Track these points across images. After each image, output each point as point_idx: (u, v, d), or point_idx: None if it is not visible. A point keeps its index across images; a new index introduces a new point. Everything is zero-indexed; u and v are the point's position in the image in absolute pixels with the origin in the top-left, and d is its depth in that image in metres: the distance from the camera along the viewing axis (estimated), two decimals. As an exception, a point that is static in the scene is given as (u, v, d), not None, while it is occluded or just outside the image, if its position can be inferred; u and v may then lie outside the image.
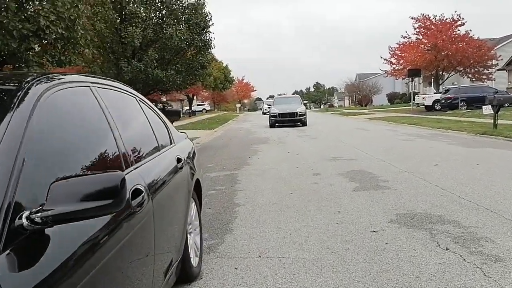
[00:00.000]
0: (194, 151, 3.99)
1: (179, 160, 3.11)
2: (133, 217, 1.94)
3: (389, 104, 59.27)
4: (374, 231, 4.38)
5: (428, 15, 36.25)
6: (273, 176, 7.88)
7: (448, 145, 11.98)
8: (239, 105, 75.73)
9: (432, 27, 35.72)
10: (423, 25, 36.25)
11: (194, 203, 3.63)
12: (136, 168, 2.27)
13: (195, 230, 3.65)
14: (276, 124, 23.47)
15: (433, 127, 18.12)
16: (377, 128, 20.43)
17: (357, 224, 4.68)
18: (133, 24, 11.44)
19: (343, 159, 9.64)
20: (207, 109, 66.93)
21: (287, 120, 23.41)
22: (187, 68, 12.82)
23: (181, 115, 28.80)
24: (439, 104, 32.27)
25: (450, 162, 8.69)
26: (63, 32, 5.43)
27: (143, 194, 2.12)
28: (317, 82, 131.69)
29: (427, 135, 15.42)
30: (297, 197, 6.10)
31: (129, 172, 2.12)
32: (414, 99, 38.73)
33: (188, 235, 3.25)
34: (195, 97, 59.63)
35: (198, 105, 65.54)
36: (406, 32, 39.89)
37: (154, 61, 11.71)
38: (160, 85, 12.71)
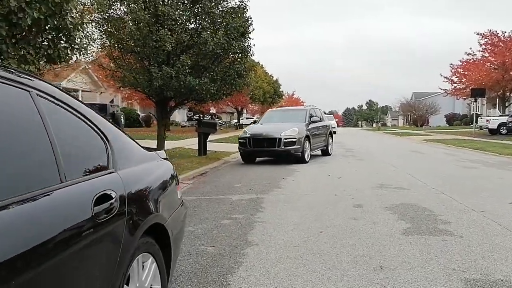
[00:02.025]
0: (165, 179, 2.76)
1: (104, 198, 1.90)
2: None
3: (447, 125, 55.71)
4: (432, 311, 2.94)
5: (495, 31, 33.43)
6: (304, 205, 6.52)
7: (523, 176, 10.02)
8: (288, 119, 74.14)
9: (500, 44, 32.83)
10: (490, 42, 33.43)
11: (151, 260, 2.39)
12: None
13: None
14: (249, 155, 13.16)
15: (500, 153, 15.89)
16: (435, 151, 18.37)
17: (406, 293, 3.25)
18: (165, 27, 10.61)
19: (392, 188, 8.08)
20: (255, 122, 66.14)
21: (262, 152, 13.09)
22: (223, 76, 11.78)
23: (220, 127, 27.93)
24: (505, 127, 29.28)
25: (531, 200, 6.91)
26: (45, 17, 4.49)
27: None
28: (370, 100, 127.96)
29: (494, 162, 13.34)
30: (328, 239, 4.71)
31: None
32: (476, 121, 35.66)
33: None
34: (244, 111, 59.09)
35: (247, 118, 64.97)
36: (470, 48, 36.99)
37: (187, 67, 10.77)
38: (194, 94, 11.73)
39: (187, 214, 3.26)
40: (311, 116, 14.26)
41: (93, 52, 12.14)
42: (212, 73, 11.54)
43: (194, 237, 4.85)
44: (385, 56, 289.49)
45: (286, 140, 12.50)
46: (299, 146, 12.60)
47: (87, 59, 13.56)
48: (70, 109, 2.00)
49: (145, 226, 2.23)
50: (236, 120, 55.01)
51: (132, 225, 2.11)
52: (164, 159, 2.99)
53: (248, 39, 11.83)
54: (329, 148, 15.55)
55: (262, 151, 13.00)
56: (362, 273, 3.68)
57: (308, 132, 13.24)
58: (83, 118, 2.09)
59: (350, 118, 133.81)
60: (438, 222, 5.41)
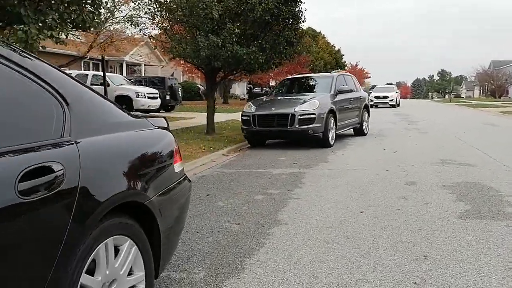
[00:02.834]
0: (153, 150, 2.38)
1: (42, 172, 1.56)
2: None
3: (530, 96, 50.79)
4: (480, 317, 2.37)
5: None
6: (349, 181, 5.95)
7: None
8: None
9: None
10: None
11: (129, 243, 2.06)
12: None
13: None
14: (254, 137, 10.23)
15: None
16: (511, 124, 16.59)
17: (451, 291, 2.68)
18: (211, -8, 10.17)
19: (455, 164, 7.21)
20: (317, 95, 64.57)
21: (270, 133, 10.05)
22: (272, 45, 11.19)
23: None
24: None
25: None
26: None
27: None
28: (442, 70, 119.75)
29: None
30: (368, 220, 4.17)
31: None
32: None
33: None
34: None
35: (308, 90, 63.56)
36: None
37: (234, 35, 10.32)
38: (243, 63, 11.30)
39: (190, 190, 2.89)
40: (339, 85, 11.07)
41: (144, 23, 12.09)
42: (260, 41, 11.00)
43: (222, 213, 4.54)
44: (461, 22, 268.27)
45: (301, 117, 9.47)
46: (319, 125, 9.54)
47: (142, 32, 13.60)
48: (4, 61, 1.66)
49: (110, 204, 1.88)
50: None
51: (89, 203, 1.76)
52: (161, 127, 2.62)
53: (300, 3, 11.07)
54: (364, 126, 12.47)
55: (270, 131, 9.93)
56: (401, 262, 3.14)
57: (333, 106, 10.21)
58: (27, 73, 1.74)
59: (420, 89, 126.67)
60: (504, 205, 4.64)
